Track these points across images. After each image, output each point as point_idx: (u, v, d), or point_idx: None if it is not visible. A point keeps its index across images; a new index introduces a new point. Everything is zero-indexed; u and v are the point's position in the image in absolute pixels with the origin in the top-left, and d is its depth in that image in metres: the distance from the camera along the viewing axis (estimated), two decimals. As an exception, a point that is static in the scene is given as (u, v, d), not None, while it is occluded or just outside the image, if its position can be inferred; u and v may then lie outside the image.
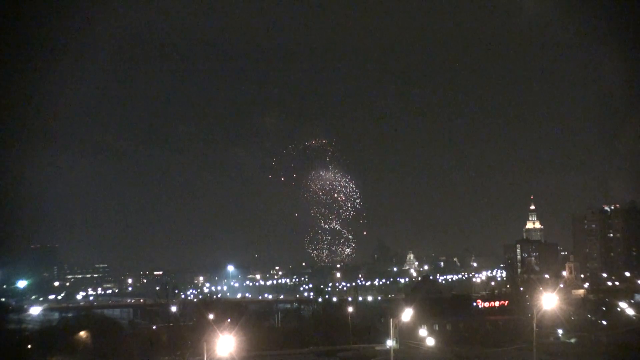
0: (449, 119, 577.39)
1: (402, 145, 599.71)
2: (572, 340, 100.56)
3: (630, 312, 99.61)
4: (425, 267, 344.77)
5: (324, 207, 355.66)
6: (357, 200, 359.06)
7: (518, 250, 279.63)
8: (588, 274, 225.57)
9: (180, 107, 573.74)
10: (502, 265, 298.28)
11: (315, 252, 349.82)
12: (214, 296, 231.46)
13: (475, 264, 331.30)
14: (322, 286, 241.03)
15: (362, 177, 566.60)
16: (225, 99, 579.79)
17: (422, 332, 70.87)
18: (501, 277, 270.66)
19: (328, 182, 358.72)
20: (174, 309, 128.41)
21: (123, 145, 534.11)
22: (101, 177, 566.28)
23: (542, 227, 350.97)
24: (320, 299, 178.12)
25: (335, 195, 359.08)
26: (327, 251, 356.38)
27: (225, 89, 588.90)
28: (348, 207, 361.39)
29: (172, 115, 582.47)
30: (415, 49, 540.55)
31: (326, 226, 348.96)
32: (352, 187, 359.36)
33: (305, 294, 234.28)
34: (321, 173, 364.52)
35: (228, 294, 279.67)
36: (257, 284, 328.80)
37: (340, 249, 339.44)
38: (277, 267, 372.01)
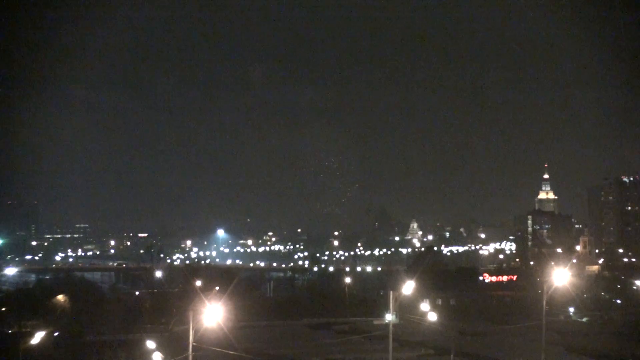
0: (459, 84, 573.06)
1: (408, 108, 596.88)
2: (584, 320, 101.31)
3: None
4: (430, 238, 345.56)
5: (320, 186, 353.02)
6: (357, 185, 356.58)
7: (529, 222, 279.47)
8: (603, 249, 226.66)
9: (166, 61, 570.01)
10: (511, 237, 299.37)
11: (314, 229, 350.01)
12: (202, 262, 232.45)
13: (483, 236, 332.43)
14: (318, 255, 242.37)
15: (364, 140, 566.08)
16: (214, 54, 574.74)
17: (424, 306, 70.63)
18: (510, 250, 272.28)
19: (323, 158, 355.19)
20: (158, 274, 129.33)
21: (108, 101, 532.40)
22: (85, 134, 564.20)
23: (556, 197, 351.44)
24: (315, 268, 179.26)
25: (332, 169, 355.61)
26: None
27: (213, 43, 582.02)
28: (347, 190, 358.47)
29: (158, 70, 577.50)
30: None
31: (324, 210, 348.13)
32: (349, 160, 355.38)
33: (300, 262, 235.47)
34: (317, 145, 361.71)
35: (217, 260, 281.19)
36: (248, 250, 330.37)
37: (339, 232, 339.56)
38: (270, 233, 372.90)
